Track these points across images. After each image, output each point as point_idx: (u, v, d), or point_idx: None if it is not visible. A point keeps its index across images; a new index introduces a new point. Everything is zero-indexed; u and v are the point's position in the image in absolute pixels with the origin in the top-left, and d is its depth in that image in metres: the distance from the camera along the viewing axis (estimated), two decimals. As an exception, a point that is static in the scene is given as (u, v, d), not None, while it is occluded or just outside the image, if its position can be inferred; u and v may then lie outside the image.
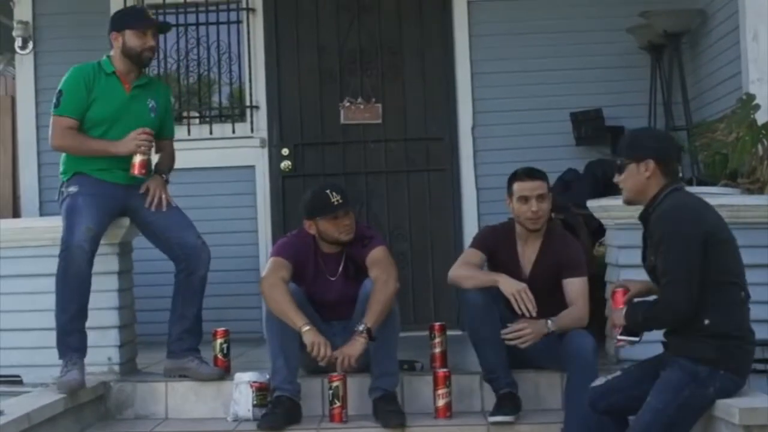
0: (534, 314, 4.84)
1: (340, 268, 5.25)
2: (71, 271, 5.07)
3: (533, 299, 4.84)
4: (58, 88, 5.35)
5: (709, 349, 4.04)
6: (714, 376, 4.04)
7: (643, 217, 4.27)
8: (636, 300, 4.30)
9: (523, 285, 4.87)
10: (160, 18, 7.52)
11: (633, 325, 4.20)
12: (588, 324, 5.00)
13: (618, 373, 4.37)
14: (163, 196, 5.37)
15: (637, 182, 4.25)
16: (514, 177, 5.14)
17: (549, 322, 4.88)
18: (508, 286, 4.88)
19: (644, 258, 4.32)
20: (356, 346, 4.85)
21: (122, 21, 5.39)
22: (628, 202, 4.38)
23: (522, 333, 4.84)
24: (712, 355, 4.04)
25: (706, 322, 4.03)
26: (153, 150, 5.55)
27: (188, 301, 5.39)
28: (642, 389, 4.13)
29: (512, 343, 4.86)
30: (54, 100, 5.34)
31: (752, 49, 5.94)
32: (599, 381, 4.36)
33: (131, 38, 5.32)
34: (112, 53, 5.39)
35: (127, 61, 5.34)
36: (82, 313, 5.11)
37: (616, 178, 4.34)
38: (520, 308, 4.83)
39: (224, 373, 5.38)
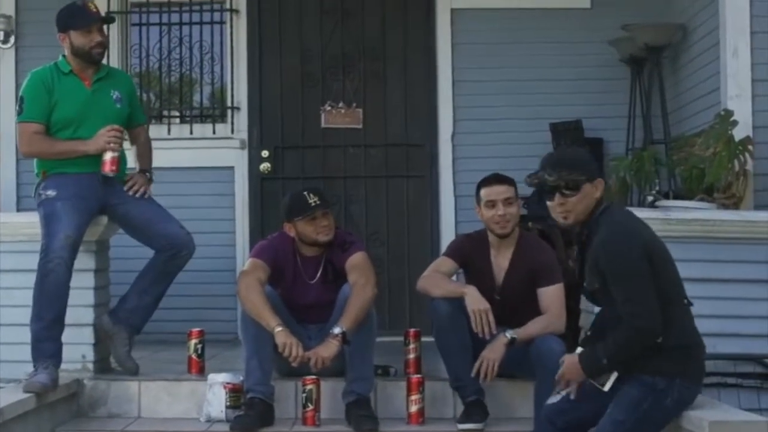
0: (489, 337, 4.87)
1: (319, 272, 5.27)
2: (50, 280, 5.06)
3: (493, 323, 4.87)
4: (20, 95, 5.34)
5: (664, 362, 4.05)
6: (671, 386, 4.06)
7: (581, 239, 4.24)
8: (581, 349, 4.20)
9: (487, 306, 4.89)
10: (143, 17, 7.56)
11: (595, 370, 4.11)
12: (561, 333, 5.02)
13: (572, 388, 4.34)
14: (145, 188, 5.38)
15: (590, 203, 4.16)
16: (482, 184, 5.17)
17: (507, 333, 4.89)
18: (472, 302, 4.91)
19: (581, 280, 4.31)
20: (330, 348, 4.86)
21: (65, 22, 5.32)
22: (570, 227, 4.27)
23: (485, 366, 4.85)
24: (668, 367, 4.06)
25: (659, 340, 4.04)
26: (128, 142, 5.57)
27: (158, 280, 5.39)
28: (599, 404, 4.13)
29: (488, 380, 4.88)
30: (17, 108, 5.32)
31: (731, 65, 5.99)
32: (555, 398, 4.33)
33: (77, 38, 5.28)
34: (65, 53, 5.37)
35: (80, 60, 5.31)
36: (59, 321, 5.10)
37: (555, 200, 4.17)
38: (477, 327, 4.86)
39: (136, 370, 5.38)
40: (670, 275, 4.14)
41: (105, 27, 5.41)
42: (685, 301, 4.18)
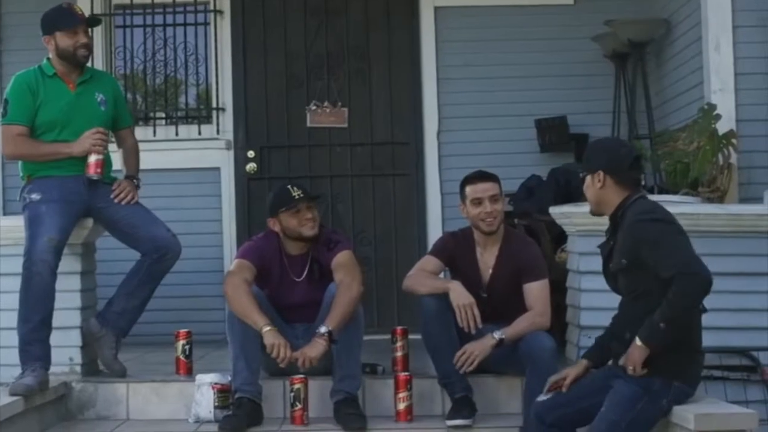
0: (474, 332, 4.88)
1: (306, 271, 5.27)
2: (34, 283, 5.05)
3: (479, 317, 4.88)
4: (4, 97, 5.35)
5: (665, 362, 4.06)
6: (667, 388, 4.09)
7: (612, 219, 4.30)
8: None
9: (471, 300, 4.90)
10: (127, 19, 7.56)
11: (658, 339, 4.03)
12: (549, 328, 5.04)
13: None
14: (132, 194, 5.37)
15: (593, 194, 4.32)
16: (466, 181, 5.17)
17: (495, 334, 4.89)
18: (457, 297, 4.92)
19: (606, 264, 4.35)
20: (317, 347, 4.86)
21: (50, 24, 5.32)
22: (593, 213, 4.44)
23: (465, 357, 4.86)
24: (667, 367, 4.07)
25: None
26: (115, 144, 5.57)
27: (145, 282, 5.38)
28: (590, 402, 4.16)
29: (464, 369, 4.88)
30: (1, 110, 5.32)
31: (714, 59, 6.02)
32: (544, 396, 4.36)
33: (62, 39, 5.27)
34: (50, 55, 5.37)
35: (65, 63, 5.31)
36: (45, 323, 5.09)
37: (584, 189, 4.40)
38: (462, 322, 4.88)
39: (124, 372, 5.38)
40: None
41: (90, 30, 5.42)
42: (701, 306, 4.18)
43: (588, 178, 4.32)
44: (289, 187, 5.20)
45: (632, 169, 4.34)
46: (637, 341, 4.09)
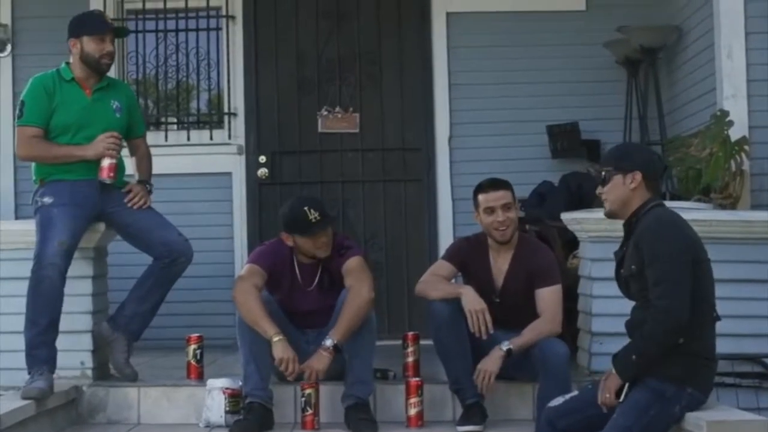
0: (485, 337, 4.87)
1: (316, 280, 5.26)
2: (43, 286, 5.05)
3: (490, 322, 4.87)
4: (20, 99, 5.36)
5: (678, 368, 4.06)
6: (680, 395, 4.08)
7: (627, 226, 4.29)
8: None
9: (483, 305, 4.88)
10: (139, 24, 7.57)
11: (629, 371, 4.10)
12: (560, 335, 5.03)
13: (575, 392, 4.39)
14: (144, 199, 5.39)
15: (621, 193, 4.25)
16: (479, 189, 5.16)
17: (502, 345, 4.88)
18: (469, 302, 4.90)
19: (618, 270, 4.34)
20: (322, 360, 4.88)
21: (79, 27, 5.34)
22: (610, 215, 4.37)
23: (482, 378, 4.85)
24: (680, 374, 4.07)
25: (681, 341, 4.04)
26: (128, 152, 5.58)
27: (157, 287, 5.39)
28: (602, 409, 4.14)
29: (485, 389, 4.87)
30: (17, 112, 5.34)
31: (726, 65, 6.00)
32: (557, 401, 4.35)
33: (89, 44, 5.29)
34: (71, 60, 5.37)
35: (86, 68, 5.32)
36: (53, 327, 5.09)
37: (599, 190, 4.34)
38: (473, 327, 4.87)
39: (135, 377, 5.39)
40: (708, 282, 4.15)
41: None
42: (714, 314, 4.19)
43: (618, 177, 4.25)
44: (306, 209, 5.09)
45: (662, 178, 4.37)
46: (612, 370, 4.14)
